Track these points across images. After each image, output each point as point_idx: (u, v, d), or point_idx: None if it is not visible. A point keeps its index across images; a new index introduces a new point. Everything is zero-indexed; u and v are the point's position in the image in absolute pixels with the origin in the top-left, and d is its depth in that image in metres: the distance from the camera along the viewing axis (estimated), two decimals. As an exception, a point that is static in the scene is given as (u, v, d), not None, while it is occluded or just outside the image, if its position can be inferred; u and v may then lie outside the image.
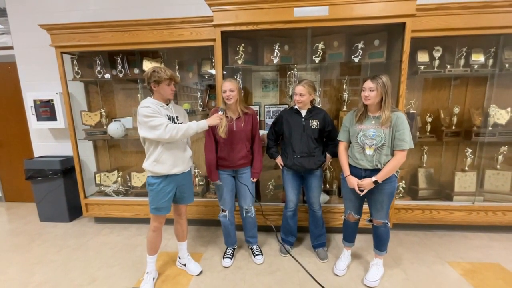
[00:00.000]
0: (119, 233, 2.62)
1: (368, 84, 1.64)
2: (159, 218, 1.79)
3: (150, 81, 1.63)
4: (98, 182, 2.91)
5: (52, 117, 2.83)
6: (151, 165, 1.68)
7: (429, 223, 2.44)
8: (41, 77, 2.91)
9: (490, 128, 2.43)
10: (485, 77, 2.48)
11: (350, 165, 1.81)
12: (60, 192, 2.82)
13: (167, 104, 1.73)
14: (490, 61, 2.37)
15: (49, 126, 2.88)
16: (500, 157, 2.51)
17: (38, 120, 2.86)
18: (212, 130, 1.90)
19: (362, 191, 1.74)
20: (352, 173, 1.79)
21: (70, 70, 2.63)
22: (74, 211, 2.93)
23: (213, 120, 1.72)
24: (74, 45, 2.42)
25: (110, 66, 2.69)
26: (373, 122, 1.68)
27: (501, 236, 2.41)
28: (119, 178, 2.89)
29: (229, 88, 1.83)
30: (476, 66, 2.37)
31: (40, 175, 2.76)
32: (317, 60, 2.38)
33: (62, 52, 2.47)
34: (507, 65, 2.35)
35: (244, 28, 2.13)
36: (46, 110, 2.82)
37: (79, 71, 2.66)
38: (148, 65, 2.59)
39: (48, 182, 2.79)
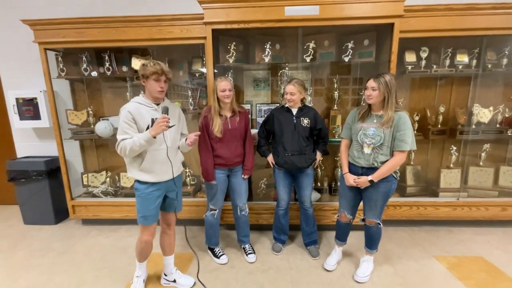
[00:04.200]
0: (108, 235, 2.56)
1: (371, 83, 1.63)
2: (148, 229, 1.64)
3: (140, 75, 1.52)
4: (85, 183, 2.82)
5: (36, 116, 2.72)
6: (138, 174, 1.56)
7: (416, 218, 2.51)
8: (24, 75, 2.79)
9: (473, 127, 2.52)
10: (469, 77, 2.56)
11: (349, 163, 1.83)
12: (45, 193, 2.73)
13: (157, 104, 1.58)
14: (474, 62, 2.44)
15: (33, 126, 2.77)
16: (483, 154, 2.61)
17: (21, 119, 2.75)
18: (206, 130, 1.88)
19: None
20: (350, 171, 1.80)
21: (54, 67, 2.54)
22: (60, 213, 2.84)
23: (158, 128, 1.43)
24: (58, 42, 2.34)
25: (97, 64, 2.61)
26: (375, 121, 1.68)
27: (484, 230, 2.51)
28: (108, 179, 2.82)
29: (228, 88, 1.83)
30: (460, 67, 2.45)
31: (24, 176, 2.65)
32: (308, 59, 2.39)
33: (46, 49, 2.38)
34: (489, 66, 2.44)
35: (235, 26, 2.12)
36: (29, 108, 2.71)
37: (64, 68, 2.58)
38: (137, 63, 2.53)
39: (32, 183, 2.69)
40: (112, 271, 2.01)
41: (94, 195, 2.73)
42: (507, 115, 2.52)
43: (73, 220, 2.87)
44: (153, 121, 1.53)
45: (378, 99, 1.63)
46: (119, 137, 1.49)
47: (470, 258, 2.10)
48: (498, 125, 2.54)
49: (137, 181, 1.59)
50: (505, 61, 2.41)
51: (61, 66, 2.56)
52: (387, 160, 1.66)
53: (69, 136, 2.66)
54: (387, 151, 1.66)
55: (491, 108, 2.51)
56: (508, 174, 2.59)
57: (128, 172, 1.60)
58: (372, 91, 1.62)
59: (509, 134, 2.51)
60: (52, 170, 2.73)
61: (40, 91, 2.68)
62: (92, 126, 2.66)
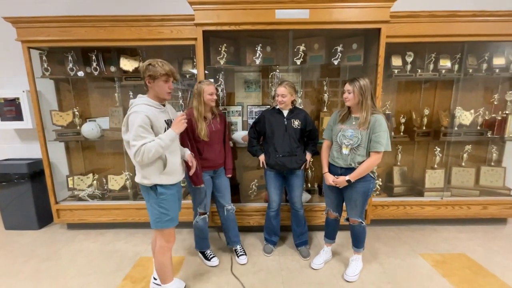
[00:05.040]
0: (95, 239, 2.49)
1: (346, 86, 1.71)
2: (172, 232, 1.58)
3: (145, 75, 1.43)
4: (71, 186, 2.74)
5: (18, 116, 2.62)
6: (159, 178, 1.47)
7: (403, 218, 2.58)
8: (6, 74, 2.68)
9: (456, 129, 2.62)
10: (452, 81, 2.66)
11: (329, 163, 1.88)
12: (28, 197, 2.62)
13: (163, 105, 1.54)
14: (456, 67, 2.55)
15: (15, 127, 2.67)
16: (465, 155, 2.72)
17: (2, 120, 2.63)
18: (192, 133, 1.87)
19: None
20: (330, 171, 1.86)
21: (38, 67, 2.45)
22: (44, 218, 2.73)
23: (180, 126, 1.49)
24: (43, 40, 2.26)
25: (83, 63, 2.55)
26: (354, 122, 1.74)
27: (467, 228, 2.61)
28: (95, 182, 2.75)
29: (215, 91, 1.88)
30: (443, 71, 2.54)
31: (5, 179, 2.55)
32: (298, 62, 2.43)
33: (29, 47, 2.30)
34: (470, 70, 2.55)
35: (226, 28, 2.12)
36: (11, 109, 2.61)
37: (49, 67, 2.49)
38: (125, 63, 2.49)
39: (14, 187, 2.58)
40: (100, 277, 1.96)
41: (80, 199, 2.65)
42: (487, 118, 2.64)
43: (58, 225, 2.77)
44: (166, 121, 1.51)
45: (354, 102, 1.70)
46: (137, 142, 1.36)
47: (453, 255, 2.17)
48: (478, 127, 2.65)
49: (158, 185, 1.50)
50: (484, 66, 2.53)
51: (45, 65, 2.48)
52: (364, 161, 1.71)
53: (53, 138, 2.57)
54: (364, 152, 1.72)
55: (472, 111, 2.62)
56: (488, 174, 2.71)
57: (143, 179, 1.47)
58: (348, 93, 1.70)
59: (489, 135, 2.63)
60: (35, 173, 2.63)
61: (23, 91, 2.58)
62: (78, 128, 2.59)
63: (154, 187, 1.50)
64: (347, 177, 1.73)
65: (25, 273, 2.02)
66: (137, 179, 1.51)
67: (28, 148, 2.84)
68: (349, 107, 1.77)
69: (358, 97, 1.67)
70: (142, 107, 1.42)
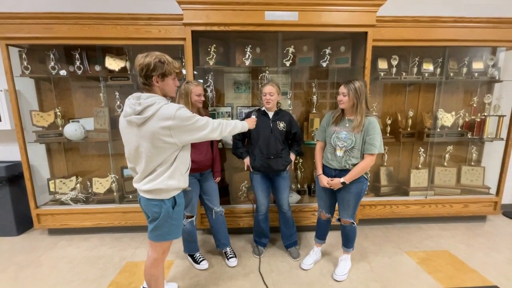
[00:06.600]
0: (78, 245, 2.39)
1: (341, 89, 1.71)
2: (171, 242, 1.48)
3: (153, 74, 1.27)
4: (52, 189, 2.62)
5: (-5, 117, 2.49)
6: (182, 181, 1.36)
7: (390, 217, 2.65)
8: (-19, 72, 2.54)
9: (438, 130, 2.72)
10: (434, 84, 2.77)
11: (323, 165, 1.89)
12: (6, 202, 2.49)
13: None
14: (438, 70, 2.65)
15: (-9, 128, 2.53)
16: (447, 155, 2.83)
17: (-24, 120, 2.50)
18: None
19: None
20: (324, 172, 1.86)
21: (17, 65, 2.34)
22: (23, 223, 2.60)
23: (253, 123, 1.77)
24: (22, 37, 2.17)
25: (66, 62, 2.46)
26: (347, 125, 1.75)
27: (449, 226, 2.71)
28: (78, 185, 2.64)
29: (203, 92, 1.86)
30: (426, 74, 2.64)
31: (-20, 183, 2.41)
32: (287, 64, 2.44)
33: (7, 44, 2.20)
34: (451, 74, 2.65)
35: (215, 28, 2.11)
36: (-13, 109, 2.48)
37: (29, 66, 2.38)
38: (111, 62, 2.42)
39: (-10, 191, 2.45)
40: (83, 284, 1.88)
41: (62, 203, 2.54)
42: (467, 119, 2.76)
43: (38, 230, 2.64)
44: None
45: (349, 104, 1.71)
46: (204, 122, 1.35)
47: (437, 253, 2.25)
48: (459, 129, 2.76)
49: (178, 195, 1.39)
50: (465, 70, 2.64)
51: (25, 63, 2.37)
52: (358, 163, 1.73)
53: (33, 139, 2.46)
54: (358, 154, 1.73)
55: (453, 113, 2.73)
56: (468, 173, 2.83)
57: (168, 180, 1.30)
58: (343, 96, 1.71)
59: (469, 136, 2.75)
60: (14, 177, 2.50)
61: (1, 90, 2.45)
62: (60, 129, 2.49)
63: (172, 199, 1.36)
64: (342, 179, 1.74)
65: (3, 282, 1.91)
66: (156, 184, 1.30)
67: (6, 150, 2.70)
68: (342, 109, 1.78)
69: (353, 100, 1.67)
70: (172, 103, 1.33)
